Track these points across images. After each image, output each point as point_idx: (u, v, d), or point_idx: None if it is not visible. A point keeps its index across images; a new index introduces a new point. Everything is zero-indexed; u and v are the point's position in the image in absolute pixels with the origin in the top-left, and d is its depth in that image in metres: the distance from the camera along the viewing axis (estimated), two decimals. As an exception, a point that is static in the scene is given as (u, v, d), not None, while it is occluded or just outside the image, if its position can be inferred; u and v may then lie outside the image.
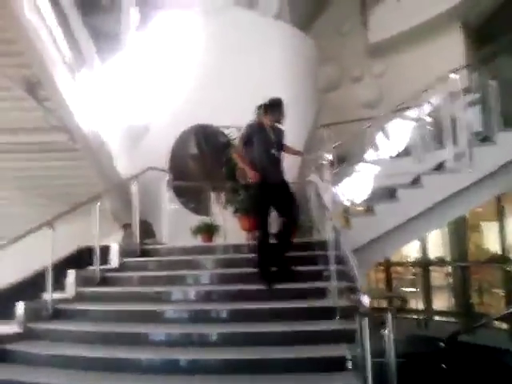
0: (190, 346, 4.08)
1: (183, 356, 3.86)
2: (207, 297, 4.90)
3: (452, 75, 5.94)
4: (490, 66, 7.18)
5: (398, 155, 8.91)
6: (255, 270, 4.86)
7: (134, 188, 5.98)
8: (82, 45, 7.02)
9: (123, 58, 8.05)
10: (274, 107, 5.06)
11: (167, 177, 6.66)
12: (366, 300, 2.85)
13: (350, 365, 3.36)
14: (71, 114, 6.50)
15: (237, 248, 5.89)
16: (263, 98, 5.68)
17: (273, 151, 5.04)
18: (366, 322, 2.91)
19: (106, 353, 3.99)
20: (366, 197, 7.24)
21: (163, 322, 4.53)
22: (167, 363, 3.83)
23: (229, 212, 7.16)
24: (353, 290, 3.29)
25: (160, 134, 7.96)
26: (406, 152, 8.45)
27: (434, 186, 5.42)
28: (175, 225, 6.62)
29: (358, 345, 3.28)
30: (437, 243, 13.19)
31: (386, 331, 3.19)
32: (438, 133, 7.72)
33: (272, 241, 4.95)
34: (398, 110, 7.32)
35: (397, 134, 9.27)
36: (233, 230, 6.89)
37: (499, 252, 10.77)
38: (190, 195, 7.88)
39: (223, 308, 4.54)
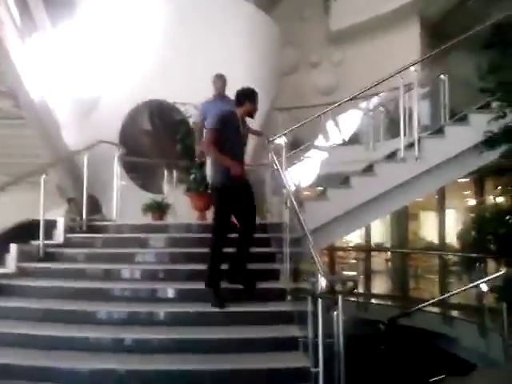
0: (137, 324, 4.02)
1: (130, 335, 3.81)
2: (156, 276, 4.82)
3: (406, 68, 6.06)
4: (442, 61, 7.42)
5: (351, 143, 9.14)
6: (205, 287, 4.26)
7: (85, 161, 5.73)
8: (33, 10, 6.59)
9: (76, 25, 7.64)
10: (250, 98, 4.42)
11: (118, 151, 6.40)
12: (323, 282, 2.90)
13: (300, 345, 3.43)
14: (19, 78, 6.10)
15: (188, 227, 5.82)
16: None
17: (240, 148, 4.48)
18: (320, 303, 2.96)
19: (48, 330, 3.87)
20: (318, 182, 7.35)
21: (110, 300, 4.41)
22: (113, 342, 3.77)
23: (181, 190, 7.06)
24: (307, 273, 3.35)
25: (111, 107, 7.67)
26: (359, 140, 8.67)
27: (385, 174, 5.57)
28: (124, 201, 6.42)
29: (309, 326, 3.35)
30: (378, 230, 13.74)
31: (336, 313, 3.28)
32: (391, 123, 7.96)
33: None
34: (354, 99, 7.43)
35: (351, 123, 9.49)
36: (184, 209, 6.80)
37: (436, 240, 11.39)
38: (141, 172, 7.68)
39: (172, 287, 4.50)
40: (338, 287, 3.36)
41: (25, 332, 3.87)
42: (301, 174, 7.84)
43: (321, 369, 3.03)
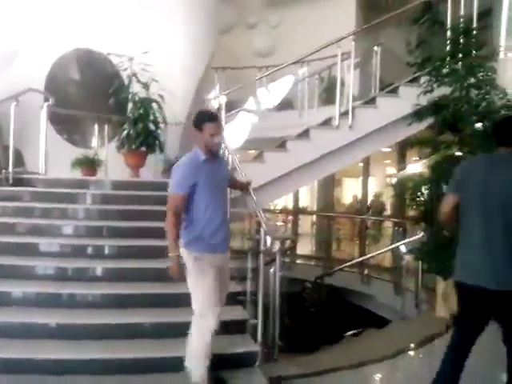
0: (66, 280, 4.01)
1: (59, 290, 3.79)
2: (86, 232, 4.73)
3: (341, 40, 6.20)
4: (375, 34, 7.67)
5: (286, 108, 9.26)
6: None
7: (12, 111, 5.34)
8: None
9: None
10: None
11: (46, 102, 6.00)
12: (268, 240, 3.02)
13: (241, 299, 3.57)
14: None
15: (119, 184, 5.69)
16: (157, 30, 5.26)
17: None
18: (262, 259, 3.09)
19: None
20: (251, 145, 7.42)
21: (38, 255, 4.32)
22: (41, 296, 3.75)
23: (112, 146, 6.83)
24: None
25: (35, 56, 7.11)
26: (293, 106, 8.81)
27: (320, 140, 5.76)
28: (51, 155, 6.09)
29: (248, 281, 3.50)
30: (305, 195, 14.27)
31: (273, 270, 3.46)
32: (325, 90, 8.16)
33: None
34: (290, 64, 7.50)
35: (286, 87, 9.58)
36: (116, 165, 6.61)
37: (358, 206, 12.06)
38: (70, 125, 7.27)
39: (101, 244, 4.47)
40: (276, 245, 3.49)
41: None
42: (234, 135, 7.86)
43: (260, 320, 3.20)
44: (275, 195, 6.01)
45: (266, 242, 3.10)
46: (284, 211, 12.99)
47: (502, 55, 5.85)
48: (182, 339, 2.98)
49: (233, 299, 3.53)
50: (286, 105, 9.37)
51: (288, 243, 4.88)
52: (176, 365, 3.01)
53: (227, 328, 3.14)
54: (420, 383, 3.72)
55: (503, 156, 2.67)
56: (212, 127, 2.89)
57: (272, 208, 12.26)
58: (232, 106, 8.17)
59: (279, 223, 12.18)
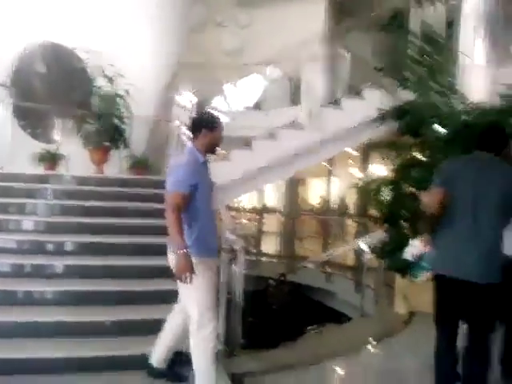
0: (24, 277, 3.94)
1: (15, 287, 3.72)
2: (46, 227, 4.64)
3: (311, 41, 6.31)
4: (343, 37, 7.81)
5: (253, 108, 9.29)
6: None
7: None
8: None
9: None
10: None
11: (6, 94, 5.82)
12: (231, 237, 3.04)
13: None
14: None
15: (81, 179, 5.60)
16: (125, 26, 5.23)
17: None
18: (224, 257, 3.11)
19: None
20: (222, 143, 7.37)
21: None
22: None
23: (76, 141, 6.69)
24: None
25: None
26: (260, 106, 8.86)
27: (286, 139, 5.84)
28: (13, 149, 5.92)
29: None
30: (270, 194, 14.36)
31: (235, 267, 3.49)
32: (292, 91, 8.24)
33: None
34: (258, 64, 7.56)
35: (253, 87, 9.62)
36: (81, 161, 6.48)
37: (320, 205, 12.25)
38: (33, 119, 7.06)
39: (61, 240, 4.41)
40: (239, 243, 3.50)
41: None
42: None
43: (221, 318, 3.22)
44: (239, 193, 6.05)
45: (228, 239, 3.11)
46: (250, 210, 13.04)
47: (461, 62, 6.05)
48: (144, 337, 2.96)
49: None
50: (254, 105, 9.39)
51: (251, 241, 4.91)
52: (138, 363, 2.99)
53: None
54: (378, 378, 3.86)
55: (488, 158, 2.84)
56: (219, 132, 2.89)
57: (237, 206, 12.30)
58: (201, 105, 8.16)
59: (244, 221, 12.23)
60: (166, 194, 2.78)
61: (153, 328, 3.10)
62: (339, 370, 4.12)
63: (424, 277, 3.27)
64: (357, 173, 10.85)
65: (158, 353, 3.02)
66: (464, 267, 2.69)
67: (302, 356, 4.15)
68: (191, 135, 2.94)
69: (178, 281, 2.64)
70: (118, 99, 6.43)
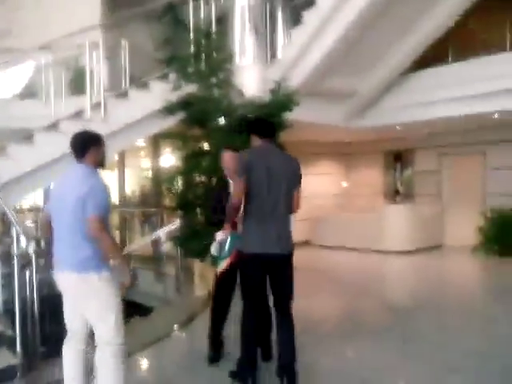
0: None
1: None
2: None
3: (90, 28, 6.05)
4: (123, 27, 7.66)
5: (26, 96, 8.40)
6: None
7: None
8: None
9: None
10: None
11: None
12: (24, 240, 2.78)
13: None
14: None
15: None
16: None
17: None
18: (16, 263, 2.85)
19: None
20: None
21: None
22: None
23: None
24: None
25: None
26: (36, 94, 8.07)
27: (72, 132, 5.46)
28: None
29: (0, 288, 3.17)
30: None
31: (28, 273, 3.22)
32: (73, 80, 7.73)
33: None
34: (30, 49, 6.91)
35: (26, 74, 8.68)
36: None
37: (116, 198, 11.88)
38: None
39: None
40: (31, 246, 3.24)
41: None
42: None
43: (18, 330, 2.95)
44: (24, 193, 5.46)
45: (19, 243, 2.84)
46: (32, 209, 11.83)
47: (237, 59, 6.58)
48: None
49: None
50: (30, 93, 8.50)
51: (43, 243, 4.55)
52: None
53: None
54: (187, 361, 4.03)
55: (273, 147, 3.31)
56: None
57: (19, 207, 11.05)
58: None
59: (28, 222, 11.08)
60: None
61: None
62: (147, 362, 4.13)
63: (225, 265, 3.47)
64: (148, 164, 10.88)
65: None
66: (271, 243, 3.11)
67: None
68: None
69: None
70: None
